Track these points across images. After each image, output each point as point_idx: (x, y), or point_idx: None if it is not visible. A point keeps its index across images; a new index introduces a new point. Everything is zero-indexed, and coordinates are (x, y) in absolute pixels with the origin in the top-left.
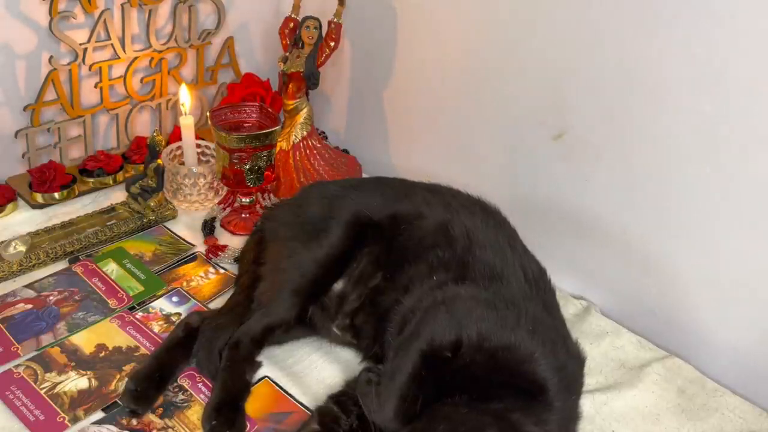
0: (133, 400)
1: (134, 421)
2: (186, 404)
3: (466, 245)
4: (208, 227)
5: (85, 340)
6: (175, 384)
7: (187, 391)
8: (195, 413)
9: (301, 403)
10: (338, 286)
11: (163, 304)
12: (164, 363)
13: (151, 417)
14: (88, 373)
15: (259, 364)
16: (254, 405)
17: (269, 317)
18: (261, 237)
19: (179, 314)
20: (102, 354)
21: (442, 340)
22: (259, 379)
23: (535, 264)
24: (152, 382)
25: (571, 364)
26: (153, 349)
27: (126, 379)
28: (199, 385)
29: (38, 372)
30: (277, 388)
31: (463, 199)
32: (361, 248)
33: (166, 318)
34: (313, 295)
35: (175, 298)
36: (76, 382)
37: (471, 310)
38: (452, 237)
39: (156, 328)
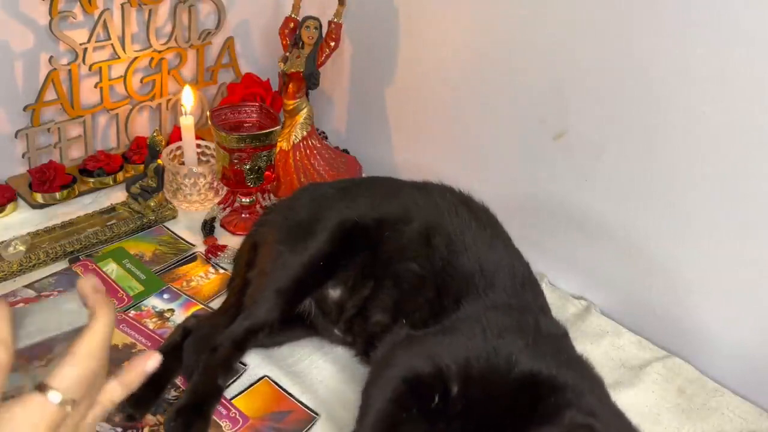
0: (131, 405)
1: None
2: (178, 401)
3: (444, 256)
4: (207, 227)
5: None
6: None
7: (179, 388)
8: None
9: (301, 402)
10: (336, 293)
11: (155, 302)
12: (162, 367)
13: None
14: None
15: (236, 371)
16: (254, 404)
17: (250, 319)
18: (254, 241)
19: (172, 310)
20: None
21: (422, 371)
22: (259, 379)
23: (513, 261)
24: (150, 387)
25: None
26: (150, 344)
27: None
28: None
29: None
30: (277, 387)
31: (451, 200)
32: (353, 254)
33: (159, 315)
34: (297, 296)
35: (166, 295)
36: None
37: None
38: (432, 247)
39: (151, 325)
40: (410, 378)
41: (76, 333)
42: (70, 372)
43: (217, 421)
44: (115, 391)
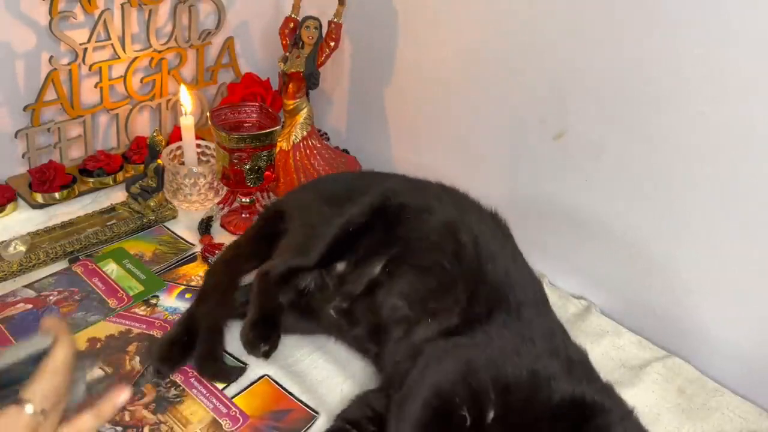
0: (159, 360)
1: (126, 416)
2: (178, 399)
3: (474, 257)
4: (203, 226)
5: (79, 337)
6: (168, 379)
7: (180, 386)
8: (187, 408)
9: (301, 401)
10: (340, 266)
11: None
12: (191, 329)
13: (143, 412)
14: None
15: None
16: (254, 403)
17: (294, 261)
18: (280, 210)
19: (157, 296)
20: (98, 345)
21: (456, 392)
22: (259, 378)
23: (533, 277)
24: (179, 346)
25: (578, 367)
26: (145, 327)
27: (140, 353)
28: (192, 380)
29: None
30: (277, 386)
31: (475, 204)
32: (371, 230)
33: (146, 302)
34: (334, 251)
35: None
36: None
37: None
38: (460, 243)
39: (140, 312)
40: (443, 398)
41: (40, 356)
42: (39, 387)
43: (217, 419)
44: (88, 422)
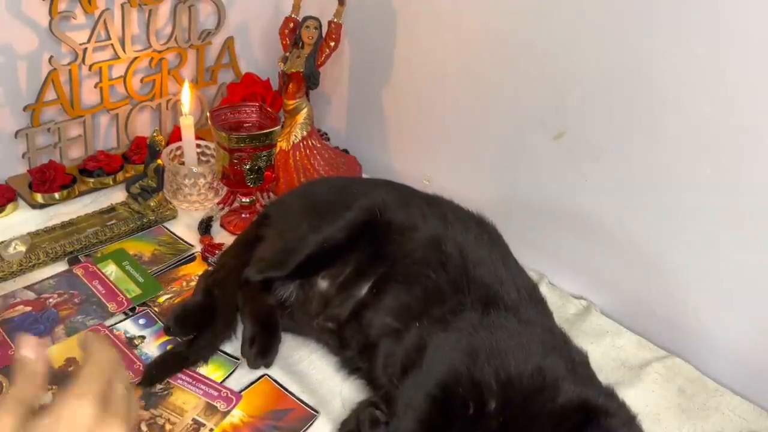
0: (176, 321)
1: None
2: (166, 392)
3: (460, 264)
4: (203, 226)
5: (55, 354)
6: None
7: (171, 384)
8: (178, 398)
9: (301, 400)
10: (323, 284)
11: (128, 326)
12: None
13: None
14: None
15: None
16: (254, 402)
17: (269, 272)
18: (264, 218)
19: (143, 338)
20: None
21: (456, 381)
22: (259, 377)
23: (527, 279)
24: (200, 314)
25: (581, 368)
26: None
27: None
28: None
29: (4, 385)
30: (277, 385)
31: (460, 214)
32: (354, 249)
33: (129, 341)
34: (310, 265)
35: (141, 321)
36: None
37: (479, 348)
38: (445, 254)
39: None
40: (446, 389)
41: None
42: None
43: (211, 402)
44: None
